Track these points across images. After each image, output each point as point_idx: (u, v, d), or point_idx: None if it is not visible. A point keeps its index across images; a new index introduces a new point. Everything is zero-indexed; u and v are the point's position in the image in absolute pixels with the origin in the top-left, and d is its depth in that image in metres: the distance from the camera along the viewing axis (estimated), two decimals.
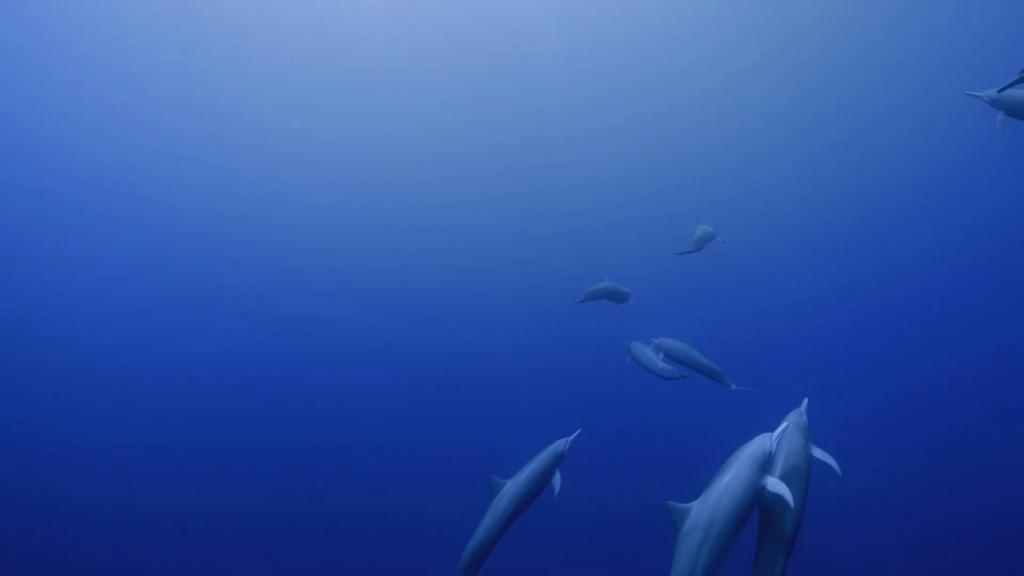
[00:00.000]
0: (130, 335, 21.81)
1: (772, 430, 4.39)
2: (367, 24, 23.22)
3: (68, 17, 22.24)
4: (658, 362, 9.48)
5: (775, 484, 3.94)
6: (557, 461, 5.85)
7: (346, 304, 24.67)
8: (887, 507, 14.62)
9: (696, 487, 4.42)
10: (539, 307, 21.98)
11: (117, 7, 22.03)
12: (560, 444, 5.95)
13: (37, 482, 16.05)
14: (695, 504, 4.05)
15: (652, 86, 24.77)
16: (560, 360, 21.65)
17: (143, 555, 14.53)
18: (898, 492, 14.94)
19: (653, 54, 23.93)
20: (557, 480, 5.73)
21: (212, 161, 25.74)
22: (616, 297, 10.73)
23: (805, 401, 4.89)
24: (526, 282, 24.15)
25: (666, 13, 22.49)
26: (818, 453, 4.44)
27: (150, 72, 23.95)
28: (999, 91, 4.94)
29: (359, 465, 17.87)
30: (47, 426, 17.88)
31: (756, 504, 4.08)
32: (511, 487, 5.73)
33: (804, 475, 4.24)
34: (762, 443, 4.22)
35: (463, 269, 25.39)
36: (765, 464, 4.09)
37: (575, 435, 6.02)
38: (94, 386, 19.66)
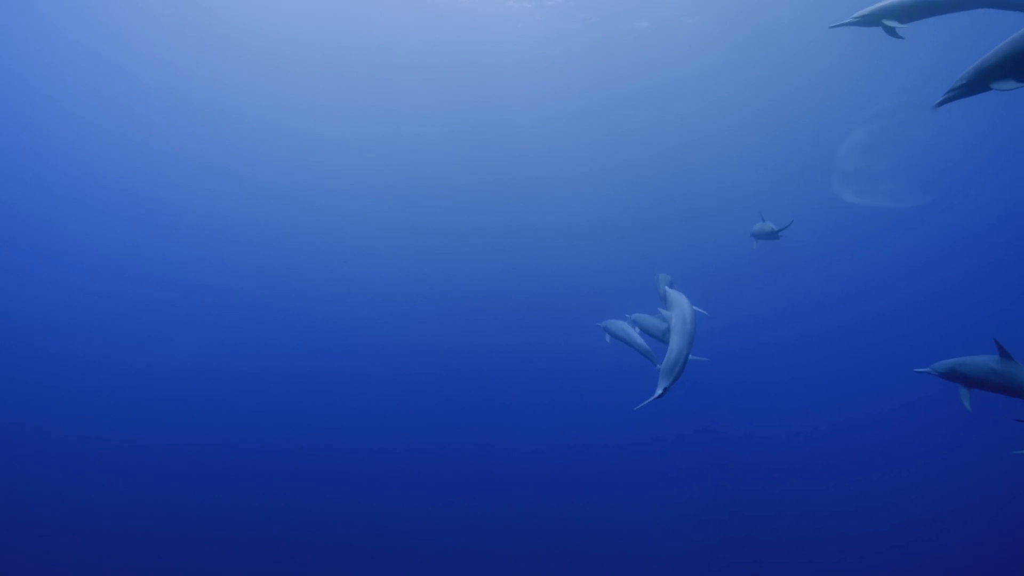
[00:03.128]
0: (129, 334, 21.81)
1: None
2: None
3: (68, 17, 22.31)
4: (636, 337, 9.37)
5: None
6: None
7: (348, 305, 24.82)
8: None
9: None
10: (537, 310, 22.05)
11: (117, 8, 22.16)
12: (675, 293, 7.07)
13: (32, 479, 16.03)
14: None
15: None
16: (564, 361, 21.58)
17: (137, 553, 14.50)
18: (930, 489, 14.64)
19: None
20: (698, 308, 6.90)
21: (210, 163, 25.91)
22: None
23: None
24: (524, 286, 24.26)
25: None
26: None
27: (148, 72, 23.83)
28: (935, 107, 4.92)
29: (356, 464, 17.86)
30: (43, 423, 17.85)
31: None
32: (679, 312, 6.72)
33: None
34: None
35: (463, 271, 25.52)
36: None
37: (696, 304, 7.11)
38: (90, 385, 19.60)
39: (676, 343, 6.52)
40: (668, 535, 15.68)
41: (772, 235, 11.92)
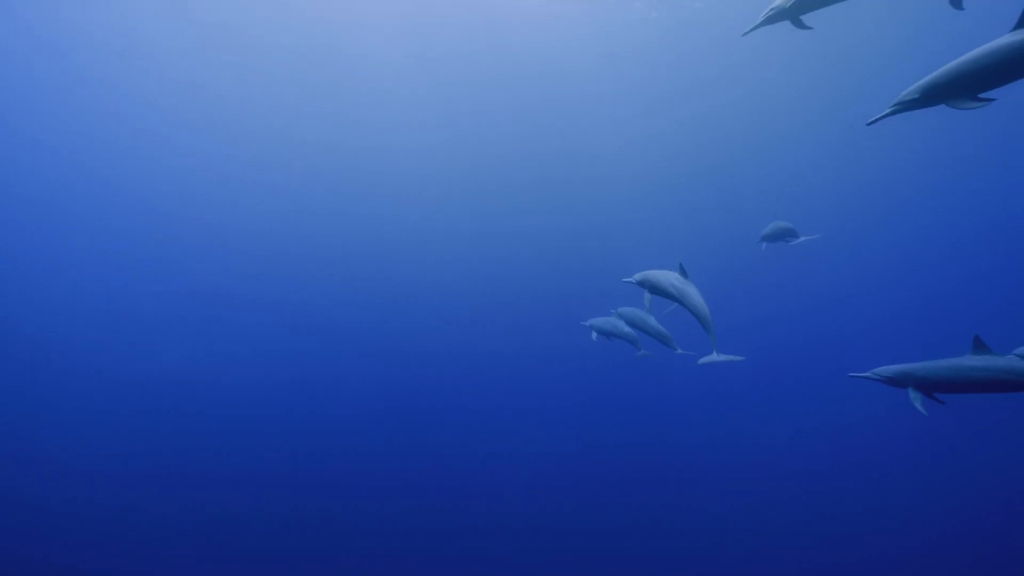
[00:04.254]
0: (118, 340, 21.74)
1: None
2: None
3: (68, 22, 22.26)
4: (623, 326, 9.66)
5: None
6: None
7: (343, 304, 24.81)
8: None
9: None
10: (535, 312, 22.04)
11: (118, 14, 22.11)
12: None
13: (21, 487, 15.97)
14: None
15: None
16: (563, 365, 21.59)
17: (132, 560, 14.42)
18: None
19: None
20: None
21: (208, 166, 25.88)
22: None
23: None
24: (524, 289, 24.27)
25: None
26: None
27: (142, 77, 23.89)
28: (868, 123, 4.90)
29: (357, 469, 17.84)
30: (31, 430, 17.81)
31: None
32: (690, 291, 7.18)
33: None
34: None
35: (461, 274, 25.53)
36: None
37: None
38: (79, 391, 19.59)
39: (702, 315, 7.13)
40: (666, 536, 15.69)
41: (785, 235, 12.00)
